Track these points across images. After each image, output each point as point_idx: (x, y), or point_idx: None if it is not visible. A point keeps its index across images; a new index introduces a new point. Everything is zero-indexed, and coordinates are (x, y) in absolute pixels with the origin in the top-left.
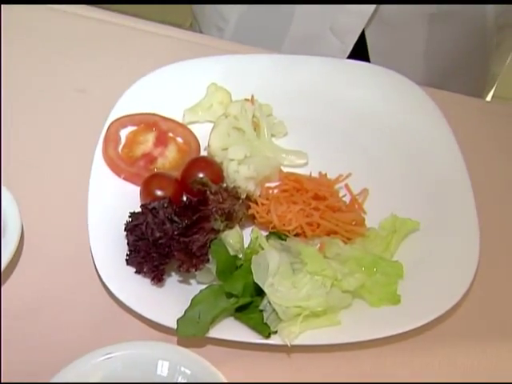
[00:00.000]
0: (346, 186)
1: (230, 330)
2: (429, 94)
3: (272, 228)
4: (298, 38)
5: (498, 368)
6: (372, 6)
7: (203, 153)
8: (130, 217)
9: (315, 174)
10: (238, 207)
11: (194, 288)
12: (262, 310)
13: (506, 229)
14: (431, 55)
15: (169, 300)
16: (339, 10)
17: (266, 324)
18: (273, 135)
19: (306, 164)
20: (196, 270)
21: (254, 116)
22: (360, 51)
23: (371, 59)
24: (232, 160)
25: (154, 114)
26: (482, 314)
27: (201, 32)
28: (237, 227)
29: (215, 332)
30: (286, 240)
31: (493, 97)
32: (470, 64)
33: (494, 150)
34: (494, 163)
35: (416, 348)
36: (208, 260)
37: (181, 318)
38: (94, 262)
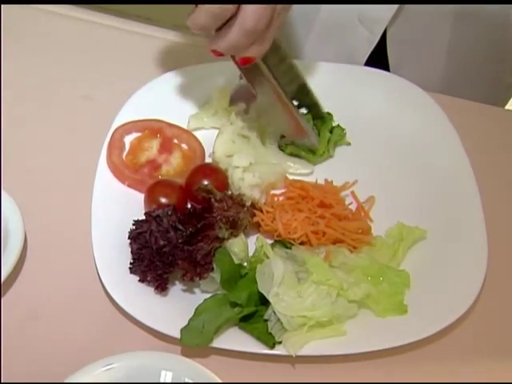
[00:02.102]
0: (353, 193)
1: (235, 339)
2: (438, 100)
3: (277, 236)
4: (326, 25)
5: (508, 378)
6: None
7: (208, 160)
8: (133, 224)
9: (321, 181)
10: (242, 215)
11: (198, 297)
12: (266, 320)
13: None
14: (449, 55)
15: (172, 309)
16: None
17: (270, 334)
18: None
19: (311, 172)
20: (200, 279)
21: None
22: (378, 44)
23: (388, 52)
24: (237, 167)
25: (158, 121)
26: (491, 324)
27: None
28: (241, 235)
29: (219, 342)
30: (291, 248)
31: None
32: (487, 70)
33: (503, 158)
34: (503, 172)
35: (423, 359)
36: (212, 269)
37: (184, 327)
38: (97, 270)
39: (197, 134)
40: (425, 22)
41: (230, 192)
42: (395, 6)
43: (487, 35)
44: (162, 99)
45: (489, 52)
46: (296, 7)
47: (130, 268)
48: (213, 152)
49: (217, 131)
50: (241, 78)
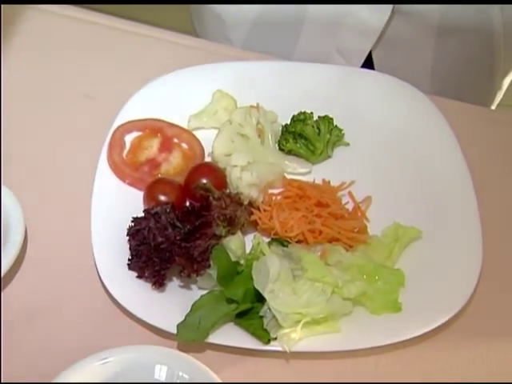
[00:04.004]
0: (350, 193)
1: (230, 335)
2: (434, 102)
3: (274, 234)
4: (303, 59)
5: (500, 375)
6: (379, 28)
7: (207, 159)
8: (132, 221)
9: (318, 181)
10: (240, 213)
11: (195, 293)
12: (262, 316)
13: (508, 238)
14: (437, 71)
15: (169, 305)
16: (345, 30)
17: (265, 330)
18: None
19: (309, 172)
20: (197, 276)
21: (258, 123)
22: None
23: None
24: (235, 166)
25: (159, 120)
26: (484, 323)
27: None
28: (239, 233)
29: (215, 337)
30: (287, 246)
31: (498, 105)
32: (477, 78)
33: (498, 158)
34: (498, 172)
35: (416, 356)
36: (209, 265)
37: (181, 322)
38: (96, 266)
39: (197, 133)
40: (408, 45)
41: (228, 190)
42: (374, 37)
43: (471, 48)
44: (162, 99)
45: (474, 63)
46: (274, 40)
47: (128, 264)
48: (212, 151)
49: (216, 131)
50: None
